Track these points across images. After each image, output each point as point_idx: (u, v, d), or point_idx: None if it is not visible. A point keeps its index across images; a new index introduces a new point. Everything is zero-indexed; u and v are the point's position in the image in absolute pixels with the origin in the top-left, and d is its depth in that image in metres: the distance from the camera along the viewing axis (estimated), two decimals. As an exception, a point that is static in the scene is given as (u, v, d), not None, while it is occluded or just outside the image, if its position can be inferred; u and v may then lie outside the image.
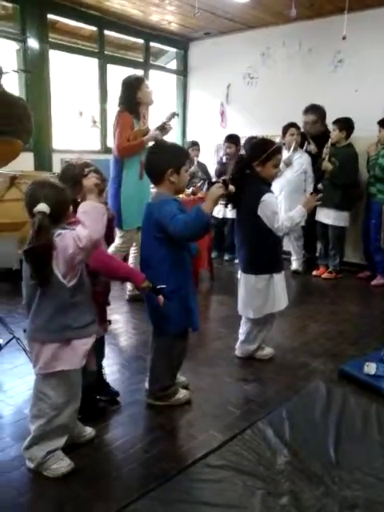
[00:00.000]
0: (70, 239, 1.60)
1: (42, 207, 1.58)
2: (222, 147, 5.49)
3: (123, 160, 3.64)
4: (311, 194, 2.79)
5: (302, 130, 4.86)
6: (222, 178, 2.07)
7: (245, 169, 2.64)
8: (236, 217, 2.80)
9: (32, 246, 1.56)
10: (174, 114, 3.82)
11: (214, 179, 5.34)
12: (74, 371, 1.76)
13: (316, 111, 4.80)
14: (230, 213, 5.26)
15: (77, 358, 1.74)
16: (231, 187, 2.10)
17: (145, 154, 3.51)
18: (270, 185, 2.71)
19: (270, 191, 2.64)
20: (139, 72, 6.01)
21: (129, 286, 3.94)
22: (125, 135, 3.58)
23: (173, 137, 6.38)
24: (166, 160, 2.12)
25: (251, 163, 2.60)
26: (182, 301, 2.17)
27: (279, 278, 2.69)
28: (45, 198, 1.61)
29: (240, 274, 2.79)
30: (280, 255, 2.77)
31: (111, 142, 3.94)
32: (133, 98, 3.61)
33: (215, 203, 2.01)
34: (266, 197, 2.55)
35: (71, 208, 1.78)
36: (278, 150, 2.62)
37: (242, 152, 5.22)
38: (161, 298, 2.03)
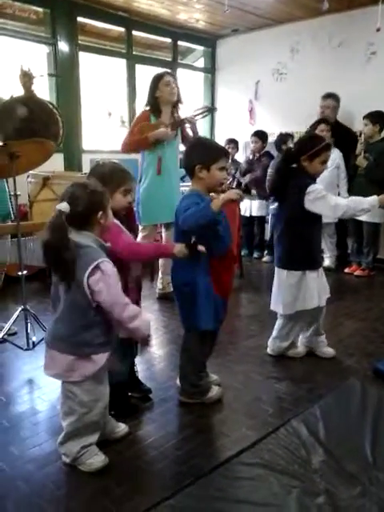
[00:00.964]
0: (116, 298, 1.66)
1: (62, 205, 1.61)
2: (249, 144, 5.46)
3: (144, 155, 3.61)
4: None
5: (319, 115, 4.83)
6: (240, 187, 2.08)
7: (291, 163, 2.63)
8: (277, 212, 2.79)
9: (44, 240, 1.60)
10: (208, 109, 3.75)
11: (237, 175, 5.32)
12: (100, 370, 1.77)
13: (335, 98, 4.83)
14: (258, 211, 5.25)
15: (94, 370, 1.72)
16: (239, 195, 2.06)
17: (164, 150, 3.53)
18: (315, 180, 2.65)
19: (315, 183, 2.59)
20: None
21: (159, 284, 3.95)
22: (131, 131, 3.57)
23: (202, 133, 6.39)
24: (196, 156, 2.13)
25: (299, 157, 2.57)
26: (191, 299, 2.14)
27: (313, 276, 2.64)
28: (69, 197, 1.64)
29: (276, 271, 2.78)
30: (316, 253, 2.72)
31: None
32: (152, 96, 3.56)
33: (224, 206, 1.98)
34: (311, 187, 2.50)
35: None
36: (328, 147, 2.60)
37: (267, 148, 5.20)
38: (201, 248, 1.98)
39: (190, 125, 3.66)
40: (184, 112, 3.70)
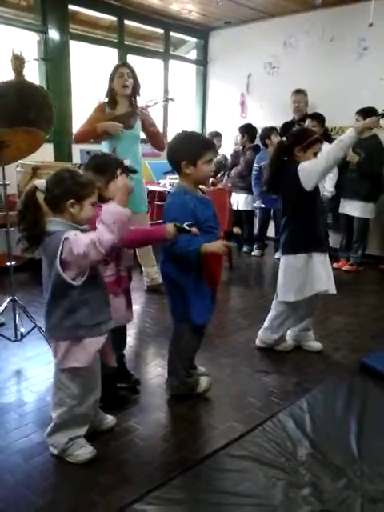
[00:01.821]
0: (85, 240, 1.57)
1: (38, 181, 1.68)
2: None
3: (103, 146, 3.55)
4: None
5: (294, 109, 5.02)
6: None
7: (283, 155, 2.66)
8: (281, 203, 2.80)
9: (17, 210, 1.68)
10: (166, 99, 3.72)
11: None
12: (93, 362, 1.77)
13: (304, 93, 5.04)
14: (244, 205, 5.23)
15: (86, 356, 1.72)
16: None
17: (118, 140, 3.43)
18: None
19: None
20: (159, 62, 6.00)
21: (145, 277, 3.92)
22: (84, 123, 3.53)
23: (192, 126, 6.36)
24: (181, 151, 2.09)
25: (293, 149, 2.60)
26: (183, 291, 2.14)
27: (320, 259, 2.65)
28: (51, 176, 1.68)
29: (281, 260, 2.78)
30: (320, 234, 2.72)
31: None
32: (109, 88, 3.53)
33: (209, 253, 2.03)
34: (301, 165, 2.54)
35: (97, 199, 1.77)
36: (320, 140, 2.67)
37: (257, 142, 5.21)
38: (194, 230, 1.95)
39: (143, 115, 3.56)
40: (142, 102, 3.64)
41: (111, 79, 3.52)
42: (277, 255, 5.17)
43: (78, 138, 3.60)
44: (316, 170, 2.52)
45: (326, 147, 4.47)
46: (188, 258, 2.00)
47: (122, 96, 3.53)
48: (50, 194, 1.66)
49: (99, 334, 1.74)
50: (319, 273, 2.64)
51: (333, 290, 2.69)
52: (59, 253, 1.60)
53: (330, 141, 4.48)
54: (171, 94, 3.76)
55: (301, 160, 2.59)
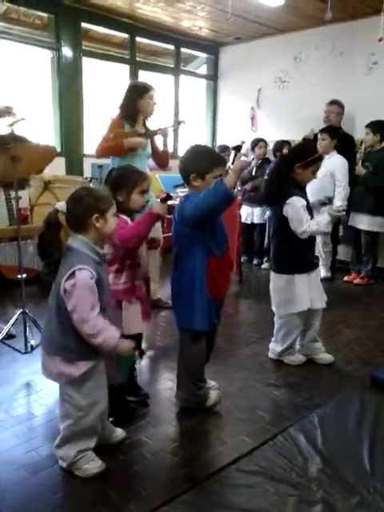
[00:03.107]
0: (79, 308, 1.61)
1: (59, 204, 1.67)
2: (249, 152, 5.46)
3: (114, 162, 3.54)
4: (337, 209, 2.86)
5: (324, 120, 4.88)
6: (233, 146, 2.06)
7: (285, 169, 2.65)
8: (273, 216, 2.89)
9: (38, 234, 1.67)
10: (178, 122, 3.78)
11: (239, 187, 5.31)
12: (98, 374, 1.77)
13: (339, 104, 4.85)
14: (259, 218, 5.25)
15: (79, 373, 1.70)
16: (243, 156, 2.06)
17: (134, 159, 3.40)
18: (302, 189, 2.71)
19: (299, 194, 2.63)
20: (169, 77, 6.07)
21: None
22: (105, 136, 3.50)
23: (202, 141, 6.41)
24: (191, 164, 2.11)
25: (293, 164, 2.60)
26: (188, 298, 2.14)
27: (302, 280, 2.67)
28: (69, 198, 1.68)
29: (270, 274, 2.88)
30: (302, 257, 2.72)
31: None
32: (134, 105, 3.50)
33: (238, 175, 1.97)
34: (292, 200, 2.59)
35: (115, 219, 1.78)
36: (321, 158, 2.71)
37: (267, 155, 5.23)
38: (172, 194, 2.01)
39: (163, 137, 3.65)
40: (153, 124, 3.69)
41: (138, 97, 3.49)
42: (265, 265, 5.24)
43: (102, 153, 3.54)
44: (293, 224, 2.59)
45: (336, 159, 4.49)
46: (221, 198, 1.91)
47: (143, 115, 3.55)
48: (72, 214, 1.67)
49: (91, 359, 1.72)
50: (300, 293, 2.68)
51: (320, 305, 2.74)
52: (65, 278, 1.62)
53: (344, 153, 4.49)
54: (181, 117, 3.79)
55: (299, 177, 2.61)
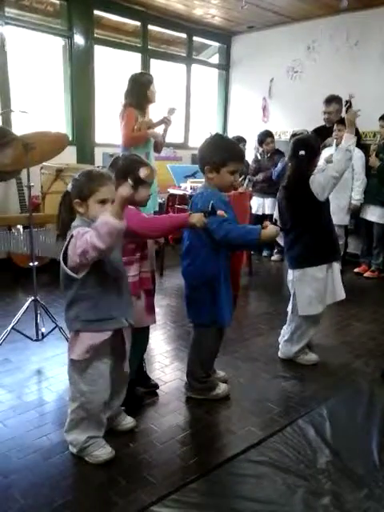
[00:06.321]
0: (82, 239, 1.57)
1: (69, 186, 1.74)
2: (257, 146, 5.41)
3: (130, 151, 3.63)
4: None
5: (325, 122, 4.82)
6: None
7: (304, 170, 2.56)
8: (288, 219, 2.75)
9: (56, 216, 1.77)
10: (173, 110, 3.95)
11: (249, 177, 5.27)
12: (100, 363, 1.77)
13: (339, 101, 4.72)
14: (270, 209, 5.22)
15: (80, 350, 1.72)
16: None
17: (149, 147, 3.81)
18: None
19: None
20: (182, 66, 6.03)
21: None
22: (130, 127, 3.72)
23: (213, 130, 6.36)
24: (208, 155, 2.09)
25: (314, 159, 2.59)
26: (213, 293, 2.13)
27: (337, 267, 2.66)
28: (74, 180, 1.72)
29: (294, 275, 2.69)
30: (337, 243, 2.72)
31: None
32: (143, 95, 3.75)
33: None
34: (314, 176, 2.55)
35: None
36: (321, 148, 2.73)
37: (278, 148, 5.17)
38: (221, 212, 1.93)
39: (166, 125, 3.89)
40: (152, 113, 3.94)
41: (147, 88, 3.75)
42: (275, 257, 5.24)
43: (132, 143, 3.75)
44: (328, 183, 2.50)
45: (355, 153, 4.41)
46: (249, 247, 1.98)
47: (148, 104, 3.82)
48: (81, 188, 1.70)
49: (97, 330, 1.72)
50: (339, 281, 2.65)
51: (343, 295, 2.74)
52: (65, 246, 1.65)
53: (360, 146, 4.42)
54: (172, 104, 4.01)
55: (312, 168, 2.58)
